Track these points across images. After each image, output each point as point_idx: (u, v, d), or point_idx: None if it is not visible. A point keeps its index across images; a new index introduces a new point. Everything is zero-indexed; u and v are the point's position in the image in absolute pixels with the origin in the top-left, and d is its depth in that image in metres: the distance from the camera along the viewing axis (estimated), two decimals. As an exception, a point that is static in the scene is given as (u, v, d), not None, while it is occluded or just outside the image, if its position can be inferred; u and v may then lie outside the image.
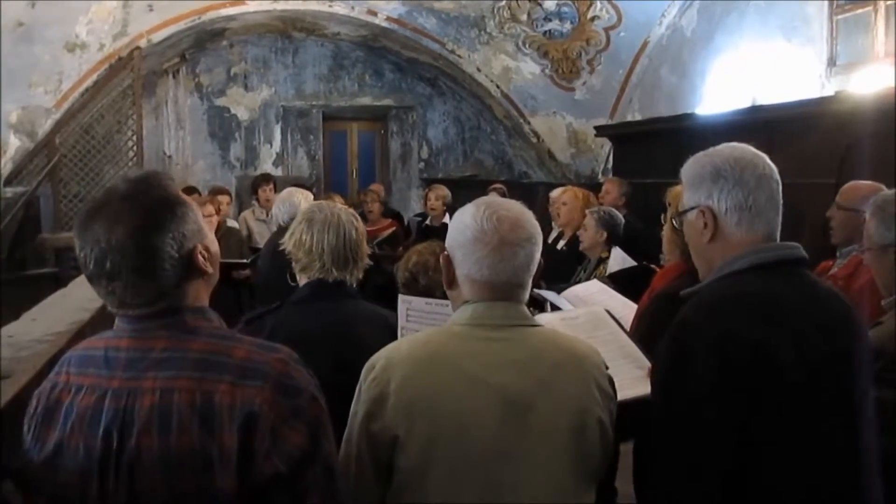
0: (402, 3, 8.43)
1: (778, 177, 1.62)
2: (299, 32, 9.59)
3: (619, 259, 4.12)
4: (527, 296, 1.64)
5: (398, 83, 10.26)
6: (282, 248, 2.45)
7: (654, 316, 2.44)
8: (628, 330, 2.62)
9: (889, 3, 5.48)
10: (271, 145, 9.97)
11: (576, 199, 5.02)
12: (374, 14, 8.56)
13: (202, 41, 9.13)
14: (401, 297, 2.40)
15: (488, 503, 1.46)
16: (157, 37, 7.91)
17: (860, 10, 5.69)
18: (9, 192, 7.36)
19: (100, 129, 8.13)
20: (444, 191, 6.79)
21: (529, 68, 8.87)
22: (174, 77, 9.48)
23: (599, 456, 1.55)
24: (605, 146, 8.75)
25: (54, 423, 1.36)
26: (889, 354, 1.96)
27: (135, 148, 8.20)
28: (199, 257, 1.40)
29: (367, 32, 9.22)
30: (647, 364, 1.90)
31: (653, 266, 3.67)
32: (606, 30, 8.35)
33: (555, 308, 3.08)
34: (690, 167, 1.67)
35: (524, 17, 8.44)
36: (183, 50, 9.14)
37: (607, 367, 1.63)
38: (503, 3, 8.33)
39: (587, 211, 4.53)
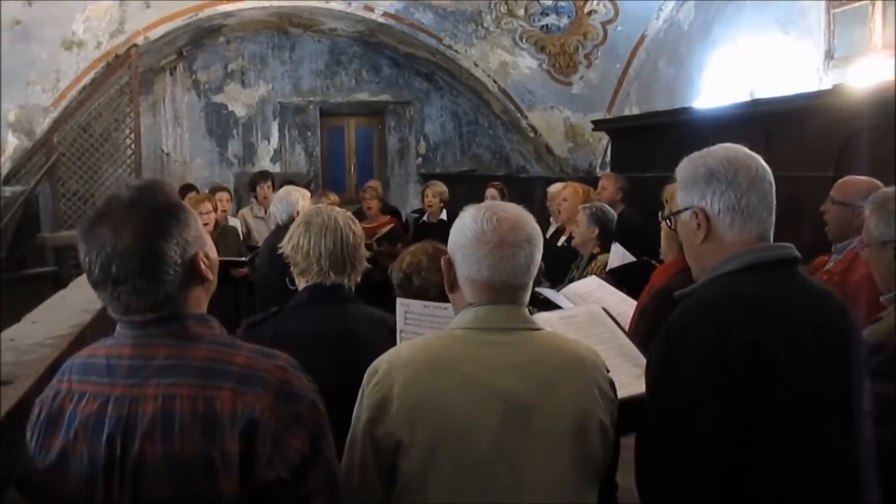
0: (399, -1, 8.43)
1: (771, 178, 1.63)
2: (296, 28, 9.58)
3: (618, 255, 4.13)
4: (527, 298, 1.65)
5: (395, 78, 10.24)
6: (280, 251, 2.46)
7: (654, 313, 2.45)
8: (628, 326, 2.63)
9: (886, -5, 5.49)
10: (269, 142, 9.96)
11: (576, 194, 5.03)
12: (371, 10, 8.54)
13: (199, 38, 9.11)
14: (399, 301, 2.41)
15: None
16: (155, 34, 7.88)
17: (858, 3, 5.69)
18: (7, 191, 7.35)
19: (98, 127, 8.14)
20: (441, 187, 6.81)
21: (527, 63, 8.87)
22: (171, 74, 9.46)
23: (601, 458, 1.57)
24: (603, 140, 8.75)
25: (57, 431, 1.37)
26: (890, 350, 1.97)
27: (133, 146, 8.20)
28: (201, 264, 1.42)
29: (363, 28, 9.21)
30: (644, 362, 1.91)
31: (652, 261, 3.68)
32: (603, 24, 8.34)
33: (553, 306, 3.09)
34: (684, 168, 1.68)
35: (521, 12, 8.43)
36: (180, 47, 9.12)
37: (608, 370, 1.64)
38: (500, -3, 8.33)
39: (580, 207, 4.54)
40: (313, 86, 10.00)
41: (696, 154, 1.68)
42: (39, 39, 7.17)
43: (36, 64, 7.28)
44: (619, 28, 8.33)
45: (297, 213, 4.12)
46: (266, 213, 6.83)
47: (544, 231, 6.02)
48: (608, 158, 8.49)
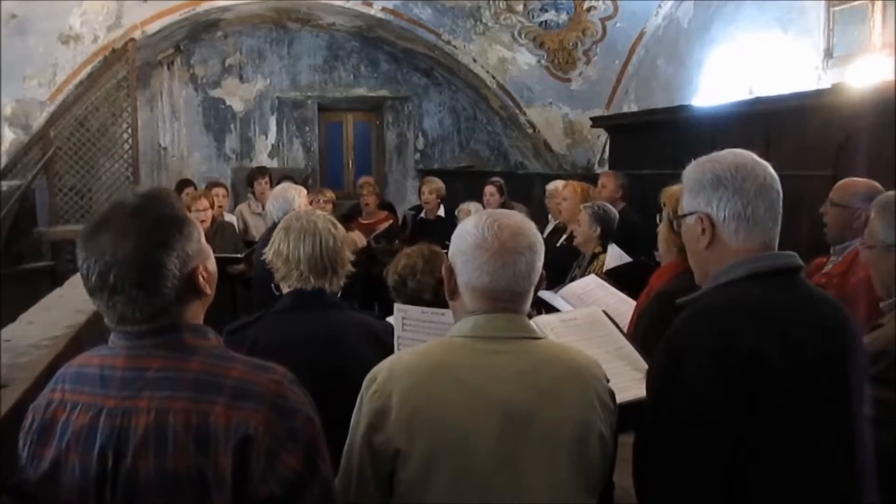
0: (398, -6, 8.41)
1: (779, 186, 1.62)
2: (294, 23, 9.55)
3: (615, 255, 4.13)
4: (528, 306, 1.64)
5: (394, 74, 10.22)
6: (263, 256, 2.46)
7: (653, 316, 2.45)
8: (627, 328, 2.63)
9: (886, -6, 5.48)
10: (267, 137, 9.93)
11: (576, 194, 5.01)
12: (370, 5, 8.52)
13: (197, 32, 9.08)
14: (396, 307, 2.41)
15: None
16: (152, 28, 7.86)
17: (857, 2, 5.68)
18: (4, 185, 7.34)
19: (95, 121, 8.10)
20: (438, 184, 6.79)
21: (525, 59, 8.86)
22: (169, 68, 9.43)
23: (600, 468, 1.56)
24: (602, 137, 8.74)
25: (50, 441, 1.35)
26: (891, 357, 1.97)
27: (130, 140, 8.17)
28: (200, 278, 1.41)
29: (362, 23, 9.19)
30: (645, 366, 1.91)
31: (649, 262, 3.67)
32: (603, 20, 8.33)
33: (551, 309, 3.08)
34: (691, 172, 1.67)
35: (520, 8, 8.42)
36: (177, 41, 9.09)
37: (608, 380, 1.63)
38: (499, -7, 8.32)
39: (581, 206, 4.52)
40: (311, 81, 9.97)
41: (703, 158, 1.67)
42: (36, 33, 7.16)
43: (32, 58, 7.27)
44: (618, 25, 8.33)
45: (294, 210, 4.11)
46: (263, 209, 6.83)
47: (543, 229, 6.03)
48: (607, 155, 8.49)
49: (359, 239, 5.70)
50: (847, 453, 1.54)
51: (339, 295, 2.46)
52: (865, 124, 4.38)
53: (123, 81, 8.04)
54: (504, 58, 8.90)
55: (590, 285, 3.37)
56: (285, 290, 2.41)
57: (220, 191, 6.67)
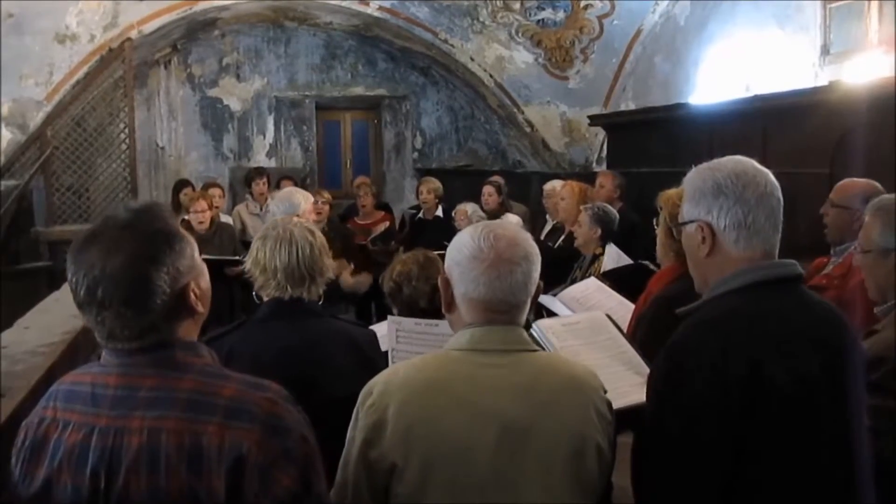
0: (395, -8, 8.40)
1: (780, 194, 1.61)
2: (291, 22, 9.54)
3: (613, 257, 4.13)
4: (525, 317, 1.63)
5: (391, 73, 10.21)
6: (243, 267, 2.45)
7: (652, 321, 2.45)
8: (626, 331, 2.62)
9: (882, -10, 5.47)
10: (264, 136, 9.92)
11: (573, 194, 5.01)
12: (366, 4, 8.51)
13: (194, 31, 9.07)
14: (390, 319, 2.41)
15: None
16: (148, 28, 7.84)
17: (854, -1, 5.69)
18: (1, 185, 7.32)
19: (92, 121, 8.09)
20: (435, 184, 6.80)
21: (523, 57, 8.85)
22: (166, 68, 9.41)
23: (597, 480, 1.55)
24: (600, 135, 8.74)
25: (42, 460, 1.35)
26: (889, 363, 1.96)
27: (127, 140, 8.16)
28: (192, 295, 1.39)
29: (359, 22, 9.18)
30: (647, 370, 1.91)
31: (648, 264, 3.67)
32: (600, 18, 8.33)
33: (551, 314, 3.08)
34: (692, 179, 1.66)
35: (517, 6, 8.41)
36: (174, 40, 9.07)
37: (605, 391, 1.63)
38: (496, -9, 8.31)
39: (581, 207, 4.52)
40: (309, 80, 9.96)
41: (704, 165, 1.66)
42: (32, 33, 7.14)
43: (29, 57, 7.25)
44: (616, 22, 8.32)
45: (298, 216, 4.09)
46: (261, 209, 6.83)
47: (541, 229, 6.04)
48: (604, 153, 8.49)
49: (365, 280, 5.63)
50: (847, 464, 1.53)
51: (319, 301, 2.46)
52: (862, 121, 4.39)
53: (120, 81, 8.02)
54: (501, 56, 8.89)
55: (589, 288, 3.37)
56: (266, 298, 2.41)
57: (217, 191, 6.67)
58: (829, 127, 4.69)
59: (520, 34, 8.66)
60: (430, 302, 2.50)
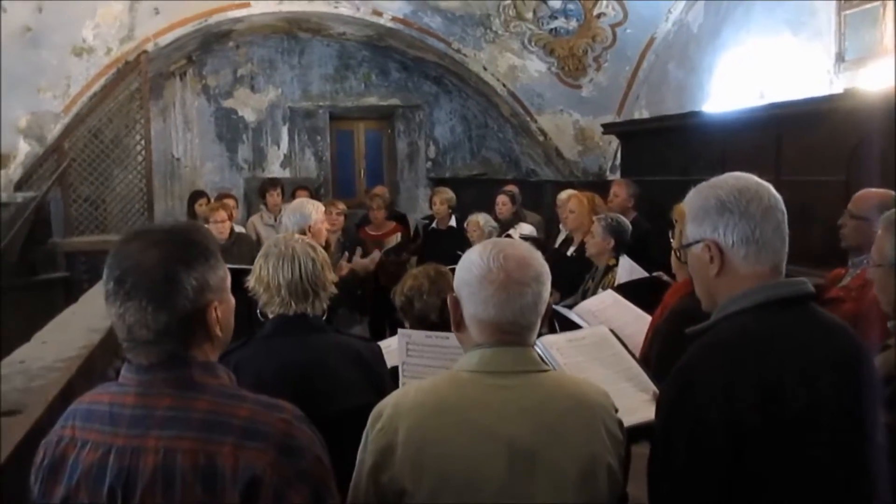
0: (408, 3, 8.41)
1: (783, 206, 1.59)
2: (305, 33, 9.60)
3: (627, 269, 4.10)
4: (535, 338, 1.62)
5: (404, 82, 10.24)
6: (246, 285, 2.47)
7: (668, 334, 2.43)
8: (642, 345, 2.61)
9: (898, -3, 5.43)
10: (279, 146, 9.98)
11: (581, 204, 4.99)
12: (380, 14, 8.54)
13: (209, 43, 9.14)
14: (400, 332, 2.42)
15: None
16: (164, 40, 7.91)
17: (868, 5, 5.63)
18: (19, 196, 7.41)
19: (108, 132, 8.18)
20: (448, 194, 6.81)
21: (535, 66, 8.85)
22: (181, 79, 9.49)
23: (608, 500, 1.54)
24: (613, 143, 8.72)
25: (60, 478, 1.37)
26: None
27: (143, 151, 8.24)
28: (212, 314, 1.41)
29: (372, 32, 9.22)
30: (652, 387, 1.89)
31: (662, 276, 3.65)
32: (612, 27, 8.31)
33: (566, 322, 3.07)
34: (693, 199, 1.64)
35: (530, 15, 8.41)
36: (189, 52, 9.15)
37: (616, 409, 1.62)
38: (508, 1, 8.30)
39: (594, 218, 4.50)
40: (322, 90, 10.01)
41: (704, 184, 1.64)
42: (50, 46, 7.21)
43: (46, 71, 7.32)
44: (628, 30, 8.30)
45: (310, 227, 4.11)
46: (276, 220, 6.86)
47: (555, 238, 6.03)
48: (618, 161, 8.47)
49: (370, 262, 5.64)
50: (864, 486, 1.51)
51: (324, 317, 2.47)
52: (878, 128, 4.35)
53: (136, 93, 8.12)
54: (514, 65, 8.90)
55: (606, 301, 3.35)
56: (270, 315, 2.43)
57: (230, 202, 6.71)
58: (844, 134, 4.65)
59: (532, 43, 8.66)
60: (440, 316, 2.52)
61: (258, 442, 1.31)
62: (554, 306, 3.32)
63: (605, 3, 8.10)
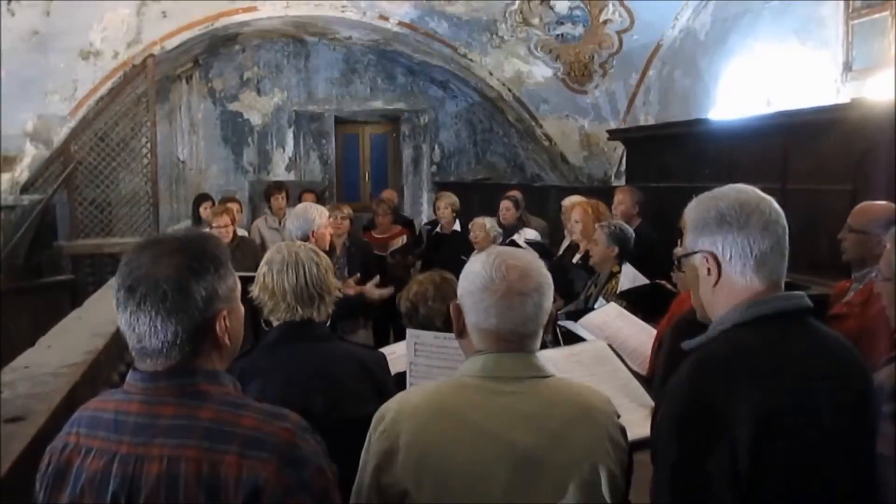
0: (414, 8, 8.42)
1: (785, 221, 1.57)
2: (311, 37, 9.62)
3: (629, 276, 4.09)
4: (537, 345, 1.62)
5: (410, 86, 10.26)
6: (250, 294, 2.45)
7: (673, 343, 2.42)
8: (648, 356, 2.60)
9: (906, 7, 5.41)
10: (284, 150, 10.00)
11: (586, 214, 4.97)
12: (386, 19, 8.55)
13: (215, 46, 9.17)
14: (409, 332, 2.41)
15: None
16: (171, 44, 7.94)
17: (877, 14, 5.61)
18: (25, 199, 7.43)
19: (114, 135, 8.20)
20: (452, 198, 6.81)
21: (541, 72, 8.85)
22: (187, 82, 9.52)
23: None
24: (619, 149, 8.72)
25: (65, 486, 1.37)
26: None
27: (149, 154, 8.26)
28: (221, 324, 1.41)
29: (378, 37, 9.23)
30: (650, 402, 1.88)
31: (665, 284, 3.63)
32: (619, 33, 8.30)
33: (567, 336, 3.07)
34: (694, 210, 1.62)
35: (536, 21, 8.41)
36: (196, 55, 9.18)
37: (619, 416, 1.62)
38: (515, 6, 8.30)
39: (597, 225, 4.49)
40: (328, 94, 10.04)
41: (706, 195, 1.63)
42: (57, 50, 7.24)
43: (54, 74, 7.35)
44: (635, 37, 8.29)
45: (314, 232, 4.11)
46: (280, 223, 6.88)
47: (559, 244, 6.02)
48: (623, 168, 8.46)
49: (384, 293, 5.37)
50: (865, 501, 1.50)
51: (327, 323, 2.46)
52: (885, 138, 4.33)
53: (143, 96, 8.14)
54: (520, 70, 8.90)
55: (610, 315, 3.34)
56: (275, 323, 2.42)
57: (234, 206, 6.71)
58: (851, 144, 4.64)
59: (539, 49, 8.66)
60: (445, 322, 2.50)
61: (261, 452, 1.31)
62: (559, 322, 3.31)
63: (611, 9, 8.09)
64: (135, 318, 1.36)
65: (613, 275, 4.20)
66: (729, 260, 1.55)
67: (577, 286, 4.54)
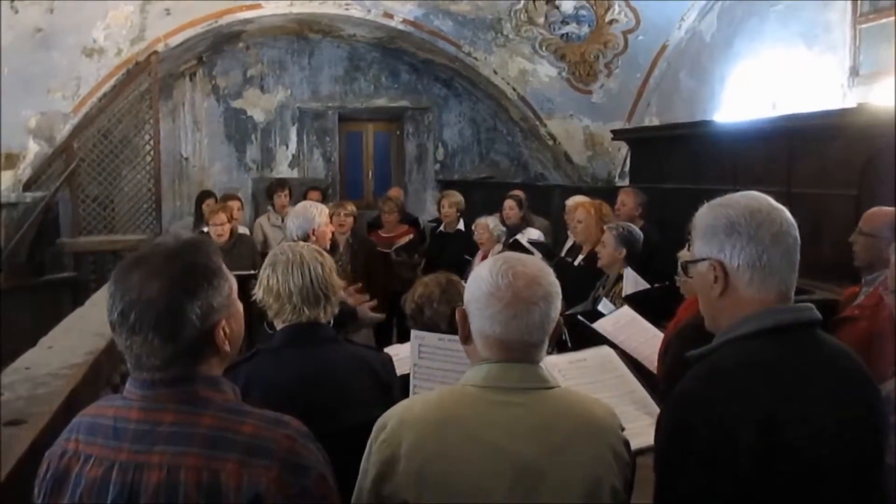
0: (419, 6, 8.39)
1: (796, 232, 1.55)
2: (315, 34, 9.59)
3: (631, 280, 4.09)
4: (543, 356, 1.60)
5: (414, 84, 10.23)
6: (253, 297, 2.43)
7: (679, 349, 2.40)
8: (657, 356, 2.58)
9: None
10: (287, 147, 9.98)
11: (589, 215, 4.96)
12: (391, 17, 8.53)
13: (219, 43, 9.14)
14: (413, 334, 2.39)
15: None
16: (175, 41, 7.91)
17: (884, 20, 5.58)
18: (28, 196, 7.42)
19: (117, 132, 8.18)
20: (457, 197, 6.79)
21: (546, 71, 8.82)
22: (191, 80, 9.50)
23: None
24: (622, 149, 8.70)
25: (63, 493, 1.36)
26: None
27: (152, 151, 8.25)
28: (220, 334, 1.40)
29: (382, 34, 9.21)
30: (657, 410, 1.86)
31: (668, 288, 3.62)
32: (624, 33, 8.27)
33: (576, 340, 3.05)
34: (704, 216, 1.60)
35: (541, 20, 8.38)
36: (199, 52, 9.16)
37: (623, 429, 1.60)
38: (520, 5, 8.27)
39: (605, 227, 4.48)
40: (332, 91, 10.01)
41: (717, 201, 1.60)
42: (60, 47, 7.21)
43: (57, 71, 7.32)
44: (640, 38, 8.26)
45: (314, 230, 4.09)
46: (283, 221, 6.84)
47: (562, 244, 6.00)
48: (627, 168, 8.44)
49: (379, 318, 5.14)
50: None
51: (331, 324, 2.44)
52: (891, 144, 4.30)
53: (146, 93, 8.12)
54: (525, 69, 8.87)
55: (621, 320, 3.32)
56: (279, 326, 2.39)
57: (235, 204, 6.70)
58: (856, 149, 4.62)
59: (543, 48, 8.63)
60: (450, 325, 2.49)
61: (262, 459, 1.30)
62: (579, 317, 3.29)
63: (617, 9, 8.06)
64: (131, 342, 1.35)
65: (621, 277, 4.19)
66: (737, 269, 1.53)
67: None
